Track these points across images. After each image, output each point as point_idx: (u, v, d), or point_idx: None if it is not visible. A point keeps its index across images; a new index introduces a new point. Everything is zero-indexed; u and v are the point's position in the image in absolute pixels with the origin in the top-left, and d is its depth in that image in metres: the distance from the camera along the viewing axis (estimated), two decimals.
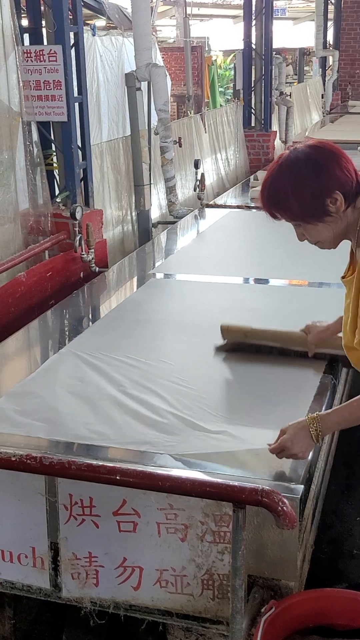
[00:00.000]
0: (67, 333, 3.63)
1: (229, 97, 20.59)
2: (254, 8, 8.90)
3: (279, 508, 1.81)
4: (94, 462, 2.03)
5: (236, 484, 1.88)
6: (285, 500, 1.83)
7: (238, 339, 3.08)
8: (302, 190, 1.97)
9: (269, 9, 8.99)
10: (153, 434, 2.50)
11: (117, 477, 1.96)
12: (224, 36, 22.88)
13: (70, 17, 4.36)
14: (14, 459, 2.03)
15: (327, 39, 14.10)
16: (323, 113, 13.17)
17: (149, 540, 2.23)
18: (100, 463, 2.02)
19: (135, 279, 4.48)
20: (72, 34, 4.37)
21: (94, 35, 6.03)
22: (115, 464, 2.06)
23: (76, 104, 4.44)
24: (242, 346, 3.08)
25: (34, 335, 3.60)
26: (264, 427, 2.48)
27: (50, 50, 4.23)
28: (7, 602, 2.61)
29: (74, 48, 4.40)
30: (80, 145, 4.53)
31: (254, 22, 8.95)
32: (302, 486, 2.17)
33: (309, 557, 2.52)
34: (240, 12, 22.55)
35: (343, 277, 2.17)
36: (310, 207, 1.99)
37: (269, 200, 2.03)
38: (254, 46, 8.99)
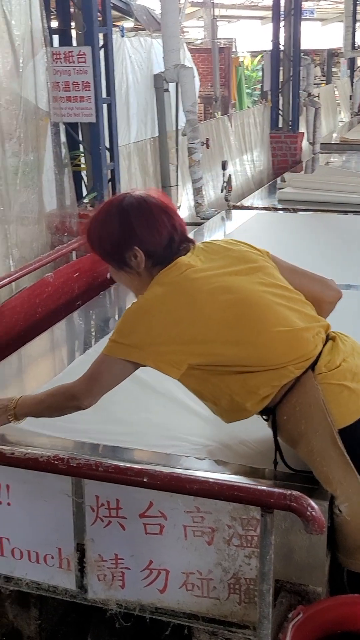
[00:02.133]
0: (94, 334, 3.63)
1: (256, 99, 20.57)
2: (282, 9, 8.87)
3: (308, 513, 1.79)
4: (122, 464, 2.03)
5: (264, 488, 1.86)
6: (314, 505, 1.81)
7: None
8: (105, 236, 2.16)
9: (298, 10, 8.97)
10: (179, 436, 2.49)
11: (145, 480, 1.95)
12: (251, 37, 22.82)
13: (100, 18, 4.37)
14: (41, 459, 2.03)
15: (356, 40, 13.99)
16: (351, 114, 13.10)
17: (175, 543, 2.21)
18: (128, 465, 2.02)
19: None
20: (101, 35, 4.38)
21: (122, 36, 6.03)
22: (143, 466, 2.05)
23: (104, 105, 4.44)
24: None
25: (61, 336, 3.61)
26: None
27: (80, 51, 4.24)
28: (32, 602, 2.61)
29: (103, 49, 4.41)
30: (108, 146, 4.54)
31: (282, 24, 8.92)
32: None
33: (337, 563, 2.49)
34: (267, 13, 22.50)
35: None
36: (109, 254, 2.19)
37: (87, 236, 2.24)
38: (282, 47, 8.96)
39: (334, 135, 10.72)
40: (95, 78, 4.26)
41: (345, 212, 5.75)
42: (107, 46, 4.44)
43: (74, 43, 4.45)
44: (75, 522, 2.30)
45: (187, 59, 7.44)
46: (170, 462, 2.34)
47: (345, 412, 2.11)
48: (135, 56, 6.18)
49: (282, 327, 2.12)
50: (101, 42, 4.42)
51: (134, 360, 2.14)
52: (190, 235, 5.64)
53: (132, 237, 2.12)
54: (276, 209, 5.97)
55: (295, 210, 5.90)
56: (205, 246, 2.28)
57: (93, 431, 2.56)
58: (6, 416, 2.37)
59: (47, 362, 3.37)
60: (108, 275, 4.46)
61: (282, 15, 8.90)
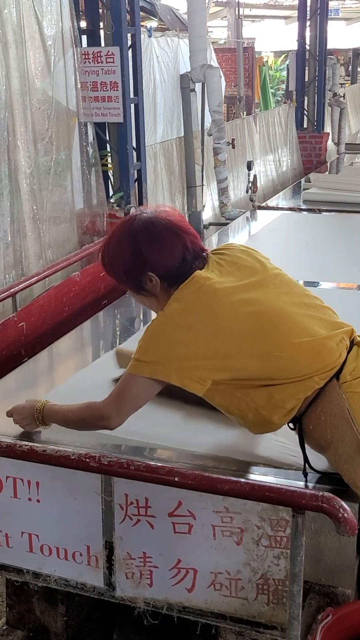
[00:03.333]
0: (119, 333, 3.65)
1: (279, 99, 20.50)
2: (308, 9, 8.85)
3: (340, 515, 1.79)
4: (152, 462, 2.04)
5: (296, 489, 1.86)
6: (346, 506, 1.81)
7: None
8: (118, 265, 2.18)
9: (324, 9, 8.93)
10: (202, 436, 2.50)
11: (176, 479, 1.95)
12: (275, 37, 22.74)
13: (128, 18, 4.38)
14: (73, 457, 2.04)
15: None
16: None
17: (203, 543, 2.22)
18: (159, 464, 2.02)
19: None
20: (129, 36, 4.39)
21: (150, 36, 6.05)
22: (173, 465, 2.05)
23: (132, 105, 4.46)
24: None
25: (87, 335, 3.64)
26: None
27: (108, 51, 4.26)
28: (59, 599, 2.63)
29: (131, 49, 4.42)
30: (135, 146, 4.55)
31: (308, 23, 8.90)
32: None
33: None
34: (291, 13, 22.44)
35: None
36: (125, 280, 2.21)
37: (102, 262, 2.25)
38: (307, 47, 8.94)
39: (359, 135, 10.68)
40: (123, 78, 4.27)
41: None
42: (135, 46, 4.45)
43: (102, 43, 4.47)
44: (104, 520, 2.31)
45: (213, 59, 7.43)
46: (195, 461, 2.35)
47: None
48: (162, 56, 6.18)
49: (304, 338, 2.09)
50: (129, 42, 4.43)
51: (158, 378, 2.11)
52: (215, 236, 5.67)
53: (144, 263, 2.12)
54: (301, 210, 5.95)
55: (319, 211, 5.89)
56: (219, 259, 2.23)
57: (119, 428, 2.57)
58: (35, 423, 2.43)
59: (75, 360, 3.39)
60: None
61: (308, 15, 8.87)
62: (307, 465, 2.21)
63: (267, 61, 20.37)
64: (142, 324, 3.81)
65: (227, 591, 2.25)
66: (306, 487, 2.15)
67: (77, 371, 3.15)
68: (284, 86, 21.36)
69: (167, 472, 1.97)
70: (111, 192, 4.60)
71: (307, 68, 9.03)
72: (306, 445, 2.21)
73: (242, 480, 1.89)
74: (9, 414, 2.49)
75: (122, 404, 2.18)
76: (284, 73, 21.82)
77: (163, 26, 11.75)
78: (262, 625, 2.24)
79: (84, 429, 2.35)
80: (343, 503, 1.82)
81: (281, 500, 1.88)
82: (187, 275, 2.13)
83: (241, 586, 2.22)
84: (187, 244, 2.15)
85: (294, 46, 9.14)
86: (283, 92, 21.23)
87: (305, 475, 2.22)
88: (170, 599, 2.32)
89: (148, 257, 2.12)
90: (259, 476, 2.25)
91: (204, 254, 2.20)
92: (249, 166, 6.13)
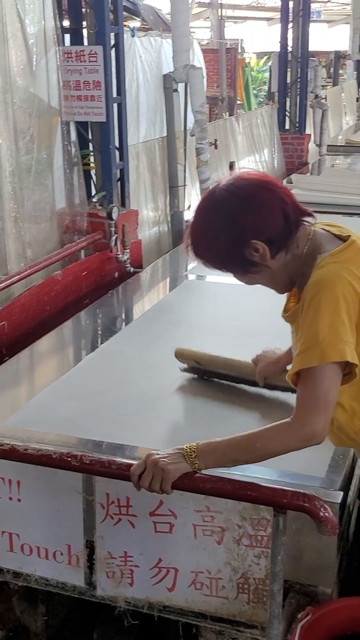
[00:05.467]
0: (102, 333, 3.64)
1: (262, 100, 20.55)
2: (290, 11, 8.87)
3: (321, 514, 1.79)
4: (134, 462, 2.03)
5: (278, 488, 1.86)
6: (327, 506, 1.82)
7: (192, 364, 2.94)
8: (216, 246, 1.83)
9: (306, 11, 8.95)
10: (183, 436, 2.51)
11: None
12: (257, 38, 22.82)
13: (111, 18, 4.37)
14: (54, 456, 2.04)
15: None
16: (358, 116, 13.10)
17: (184, 542, 2.23)
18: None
19: (168, 280, 4.49)
20: (112, 35, 4.38)
21: (133, 36, 6.05)
22: None
23: (115, 105, 4.45)
24: (197, 371, 2.93)
25: (69, 334, 3.63)
26: None
27: (91, 50, 4.24)
28: (40, 598, 2.62)
29: (114, 49, 4.41)
30: (117, 145, 4.54)
31: (290, 25, 8.92)
32: (342, 492, 2.16)
33: (345, 565, 2.50)
34: (274, 14, 22.51)
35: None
36: (229, 261, 1.86)
37: (194, 253, 1.89)
38: (289, 49, 8.96)
39: (339, 137, 10.73)
40: (106, 77, 4.26)
41: (351, 215, 5.75)
42: (118, 46, 4.43)
43: (85, 42, 4.46)
44: (85, 519, 2.31)
45: (198, 59, 7.44)
46: None
47: None
48: (146, 56, 6.18)
49: None
50: (112, 42, 4.42)
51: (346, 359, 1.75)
52: None
53: (244, 231, 1.80)
54: None
55: None
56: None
57: (96, 429, 2.57)
58: (187, 464, 1.86)
59: (57, 360, 3.39)
60: (116, 275, 4.49)
61: (291, 17, 8.89)
62: None
63: (249, 62, 20.40)
64: (124, 323, 3.81)
65: (207, 590, 2.25)
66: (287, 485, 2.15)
67: (59, 371, 3.15)
68: (266, 87, 21.45)
69: None
70: (93, 192, 4.59)
71: (289, 70, 9.05)
72: None
73: (224, 479, 1.89)
74: (135, 479, 1.90)
75: (326, 404, 1.76)
76: (267, 74, 21.91)
77: (146, 26, 11.74)
78: (243, 624, 2.25)
79: (275, 456, 1.86)
80: (324, 502, 1.83)
81: (263, 500, 1.88)
82: (295, 233, 1.84)
83: (222, 585, 2.23)
84: (284, 198, 1.83)
85: (276, 48, 9.16)
86: (265, 93, 21.30)
87: None
88: (151, 598, 2.32)
89: (245, 223, 1.80)
90: (241, 475, 2.25)
91: (308, 214, 1.88)
92: (231, 167, 6.14)
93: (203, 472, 1.87)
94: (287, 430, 1.79)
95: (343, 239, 1.86)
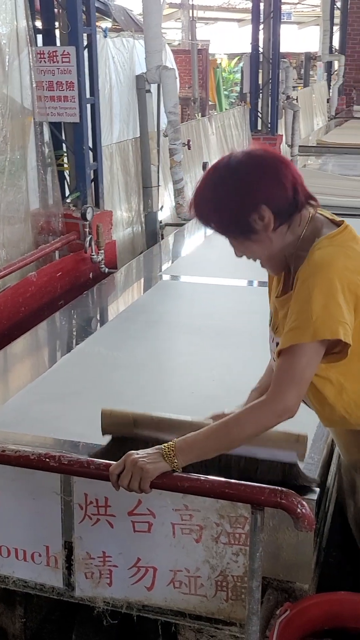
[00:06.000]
0: (78, 334, 3.64)
1: (233, 100, 20.63)
2: (262, 12, 8.92)
3: (298, 510, 1.82)
4: (113, 462, 2.04)
5: (255, 485, 1.88)
6: (304, 502, 1.84)
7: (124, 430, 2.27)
8: (223, 205, 1.84)
9: (277, 13, 9.01)
10: None
11: None
12: (229, 39, 22.90)
13: (84, 18, 4.37)
14: (32, 457, 2.03)
15: (333, 44, 14.11)
16: (328, 117, 13.21)
17: (163, 541, 2.23)
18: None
19: (143, 281, 4.50)
20: (85, 35, 4.37)
21: (105, 36, 6.05)
22: None
23: (88, 105, 4.44)
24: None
25: (45, 336, 3.62)
26: None
27: (64, 51, 4.23)
28: (18, 600, 2.61)
29: (87, 49, 4.40)
30: (91, 146, 4.54)
31: (261, 26, 8.98)
32: (318, 489, 2.18)
33: (321, 561, 2.53)
34: (245, 16, 22.58)
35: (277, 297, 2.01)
36: (233, 222, 1.86)
37: (196, 214, 1.90)
38: (261, 50, 9.01)
39: (310, 138, 10.81)
40: (79, 78, 4.25)
41: None
42: (91, 46, 4.43)
43: (58, 43, 4.45)
44: (63, 520, 2.30)
45: (169, 60, 7.46)
46: None
47: None
48: (118, 57, 6.18)
49: None
50: (85, 42, 4.41)
51: (326, 337, 1.79)
52: (171, 236, 5.66)
53: (255, 196, 1.81)
54: None
55: None
56: None
57: (73, 430, 2.58)
58: (167, 466, 1.89)
59: (32, 361, 3.38)
60: (90, 275, 4.48)
61: (262, 18, 8.94)
62: None
63: (220, 63, 20.47)
64: (99, 324, 3.81)
65: (186, 589, 2.26)
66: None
67: (35, 372, 3.14)
68: (237, 88, 21.53)
69: None
70: (67, 192, 4.58)
71: (261, 71, 9.10)
72: None
73: (202, 477, 1.90)
74: (114, 479, 1.92)
75: (300, 380, 1.80)
76: (238, 75, 22.00)
77: (116, 27, 11.72)
78: (221, 621, 2.26)
79: (247, 439, 1.92)
80: (301, 499, 1.85)
81: (241, 497, 1.90)
82: (300, 211, 1.85)
83: (200, 583, 2.24)
84: (295, 175, 1.85)
85: (247, 49, 9.21)
86: (237, 94, 21.39)
87: None
88: (130, 598, 2.32)
89: (259, 189, 1.81)
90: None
91: (314, 199, 1.90)
92: (205, 167, 6.16)
93: (182, 470, 1.89)
94: (261, 408, 1.84)
95: (337, 223, 1.91)
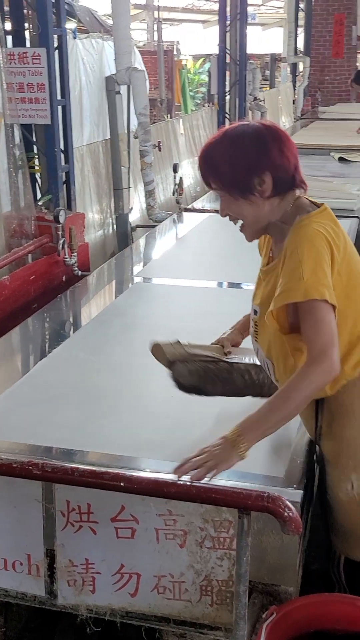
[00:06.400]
0: (54, 338, 3.60)
1: (199, 101, 20.66)
2: (228, 13, 8.94)
3: (285, 514, 1.82)
4: (98, 468, 2.02)
5: (242, 489, 1.88)
6: (290, 506, 1.84)
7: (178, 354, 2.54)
8: (236, 160, 2.03)
9: (244, 14, 9.04)
10: (141, 440, 2.51)
11: (122, 484, 1.95)
12: (193, 40, 22.95)
13: (54, 20, 4.33)
14: (15, 465, 2.01)
15: (298, 46, 14.20)
16: (294, 118, 13.29)
17: (147, 547, 2.22)
18: (104, 469, 2.01)
19: (115, 283, 4.47)
20: (55, 37, 4.34)
21: (75, 38, 5.99)
22: (119, 470, 2.05)
23: (59, 107, 4.41)
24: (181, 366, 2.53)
25: (20, 340, 3.58)
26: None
27: (34, 52, 4.20)
28: None
29: (57, 51, 4.37)
30: (62, 148, 4.50)
31: (228, 28, 9.00)
32: (302, 491, 2.19)
33: (303, 563, 2.54)
34: (209, 17, 22.64)
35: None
36: (236, 179, 2.04)
37: (204, 162, 2.10)
38: (228, 51, 9.03)
39: None
40: (50, 80, 4.22)
41: None
42: (62, 48, 4.40)
43: (28, 44, 4.40)
44: (45, 527, 2.28)
45: (138, 62, 7.44)
46: (130, 464, 2.33)
47: None
48: (88, 58, 6.16)
49: None
50: (55, 44, 4.37)
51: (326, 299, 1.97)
52: (143, 238, 5.64)
53: (267, 160, 2.02)
54: None
55: None
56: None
57: (52, 436, 2.55)
58: (236, 453, 2.00)
59: (8, 367, 3.33)
60: (63, 278, 4.45)
61: (229, 20, 8.96)
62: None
63: (186, 64, 20.49)
64: (72, 328, 3.78)
65: (170, 594, 2.25)
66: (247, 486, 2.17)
67: (11, 377, 3.10)
68: (202, 89, 21.57)
69: (112, 477, 1.97)
70: (39, 195, 4.54)
71: (228, 72, 9.12)
72: None
73: (189, 482, 1.89)
74: (183, 471, 2.01)
75: (332, 337, 1.96)
76: (203, 76, 22.05)
77: (81, 27, 11.68)
78: (206, 626, 2.25)
79: (306, 401, 2.04)
80: (288, 502, 1.85)
81: (227, 502, 1.89)
82: (294, 187, 2.10)
83: (185, 588, 2.23)
84: (297, 157, 2.10)
85: (212, 50, 9.23)
86: (202, 95, 21.43)
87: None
88: (114, 605, 2.30)
89: (268, 155, 2.02)
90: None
91: (304, 183, 2.15)
92: (175, 169, 6.15)
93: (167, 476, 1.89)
94: (311, 370, 1.96)
95: (318, 205, 2.15)
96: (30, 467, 1.99)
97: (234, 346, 2.63)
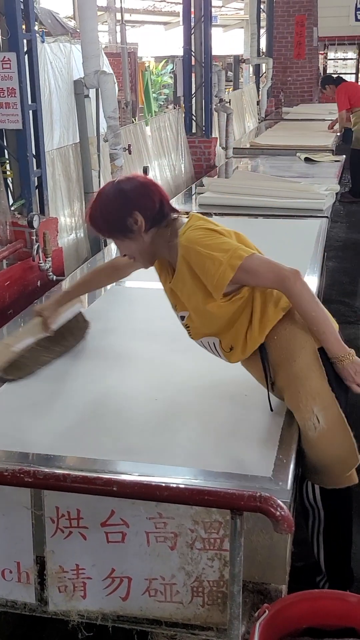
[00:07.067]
0: None
1: (162, 103, 20.67)
2: (192, 15, 8.97)
3: (277, 514, 1.84)
4: (90, 474, 2.03)
5: (234, 491, 1.90)
6: (282, 505, 1.86)
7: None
8: (108, 211, 2.49)
9: (207, 16, 9.08)
10: (123, 443, 2.53)
11: (114, 489, 1.95)
12: (155, 42, 22.96)
13: (23, 24, 4.31)
14: (6, 473, 2.00)
15: (260, 47, 14.29)
16: (259, 119, 13.37)
17: (137, 550, 2.22)
18: (96, 475, 2.02)
19: None
20: (25, 41, 4.32)
21: (43, 42, 5.97)
22: (111, 475, 2.05)
23: (30, 111, 4.39)
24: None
25: None
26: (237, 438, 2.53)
27: (4, 57, 4.17)
28: None
29: (27, 55, 4.35)
30: (34, 152, 4.49)
31: (192, 30, 9.02)
32: (291, 490, 2.22)
33: (290, 560, 2.57)
34: (171, 19, 22.67)
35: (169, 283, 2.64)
36: (113, 225, 2.51)
37: (90, 223, 2.57)
38: (193, 53, 9.06)
39: (242, 140, 10.92)
40: (20, 84, 4.20)
41: (265, 216, 5.86)
42: (32, 52, 4.37)
43: None
44: (34, 534, 2.27)
45: (106, 65, 7.42)
46: (118, 469, 2.36)
47: None
48: (56, 62, 6.12)
49: None
50: (25, 48, 4.35)
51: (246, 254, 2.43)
52: (114, 243, 5.61)
53: (130, 203, 2.46)
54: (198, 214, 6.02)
55: (212, 215, 5.96)
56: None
57: (37, 442, 2.55)
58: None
59: None
60: (38, 284, 4.43)
61: (193, 22, 8.98)
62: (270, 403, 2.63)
63: (148, 66, 20.49)
64: None
65: (162, 596, 2.26)
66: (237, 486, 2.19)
67: None
68: (165, 91, 21.60)
69: (104, 482, 1.97)
70: (11, 200, 4.51)
71: (193, 74, 9.15)
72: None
73: (182, 485, 1.91)
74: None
75: (276, 265, 2.47)
76: (166, 78, 22.08)
77: (42, 29, 11.61)
78: (198, 627, 2.27)
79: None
80: (279, 502, 1.88)
81: (220, 503, 1.91)
82: (166, 219, 2.52)
83: (176, 590, 2.24)
84: (162, 193, 2.54)
85: (174, 51, 9.26)
86: (165, 96, 21.45)
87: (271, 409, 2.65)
88: (105, 609, 2.31)
89: (133, 198, 2.47)
90: (191, 480, 2.27)
91: (176, 210, 2.59)
92: (145, 171, 6.16)
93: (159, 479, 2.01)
94: (298, 292, 2.43)
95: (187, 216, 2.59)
96: (21, 475, 1.99)
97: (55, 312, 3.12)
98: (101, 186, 5.75)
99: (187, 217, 2.56)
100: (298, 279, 2.42)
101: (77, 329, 3.26)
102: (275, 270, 2.44)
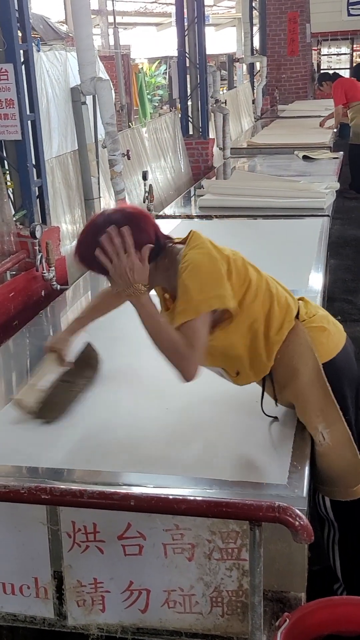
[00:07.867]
0: (38, 356, 3.57)
1: (156, 104, 20.68)
2: (185, 17, 8.96)
3: (297, 524, 1.84)
4: (106, 489, 2.02)
5: (252, 502, 1.89)
6: (301, 515, 1.86)
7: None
8: (102, 248, 2.26)
9: (201, 17, 9.07)
10: (136, 455, 2.52)
11: (132, 503, 1.95)
12: (148, 44, 22.95)
13: (19, 35, 4.31)
14: (23, 491, 2.00)
15: (254, 45, 14.28)
16: (255, 118, 13.36)
17: (155, 562, 2.23)
18: (113, 490, 2.01)
19: (93, 296, 4.45)
20: (21, 52, 4.31)
21: (38, 51, 5.96)
22: (128, 490, 2.05)
23: (29, 122, 4.39)
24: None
25: (4, 360, 3.55)
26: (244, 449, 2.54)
27: (1, 68, 4.17)
28: (5, 634, 2.57)
29: (24, 65, 4.34)
30: (34, 162, 4.48)
31: (186, 32, 9.02)
32: (307, 498, 2.21)
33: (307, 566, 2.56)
34: (163, 20, 22.67)
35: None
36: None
37: (79, 258, 2.39)
38: (187, 55, 9.05)
39: (239, 139, 10.91)
40: (18, 95, 4.20)
41: (256, 218, 5.86)
42: (29, 62, 4.37)
43: None
44: (51, 550, 2.28)
45: (102, 71, 7.41)
46: (132, 481, 2.34)
47: (325, 349, 2.56)
48: (52, 70, 6.11)
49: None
50: (22, 59, 4.35)
51: (219, 307, 2.37)
52: None
53: (124, 240, 2.26)
54: (196, 217, 6.03)
55: (212, 217, 5.97)
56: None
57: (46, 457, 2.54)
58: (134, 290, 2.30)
59: None
60: (43, 293, 4.43)
61: (186, 23, 8.97)
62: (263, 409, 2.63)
63: (142, 68, 20.50)
64: None
65: (181, 608, 2.26)
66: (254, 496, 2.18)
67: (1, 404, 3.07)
68: (159, 92, 21.61)
69: (121, 497, 1.97)
70: (12, 211, 4.51)
71: (188, 75, 9.14)
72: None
73: (199, 498, 1.91)
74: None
75: (198, 347, 2.33)
76: (159, 79, 22.08)
77: (36, 35, 11.60)
78: (218, 637, 2.27)
79: (166, 354, 2.38)
80: (298, 512, 1.87)
81: (239, 515, 1.91)
82: (162, 249, 2.39)
83: (195, 601, 2.24)
84: (155, 224, 2.40)
85: (167, 52, 9.26)
86: (159, 97, 21.45)
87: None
88: (124, 622, 2.31)
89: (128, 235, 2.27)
90: (208, 491, 2.27)
91: (170, 238, 2.48)
92: (145, 176, 6.15)
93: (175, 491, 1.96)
94: (182, 354, 2.33)
95: (183, 241, 2.44)
96: (38, 492, 1.99)
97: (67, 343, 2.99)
98: (101, 193, 5.81)
99: (181, 245, 2.43)
100: (192, 367, 2.35)
101: (91, 358, 3.15)
102: (187, 344, 2.31)
